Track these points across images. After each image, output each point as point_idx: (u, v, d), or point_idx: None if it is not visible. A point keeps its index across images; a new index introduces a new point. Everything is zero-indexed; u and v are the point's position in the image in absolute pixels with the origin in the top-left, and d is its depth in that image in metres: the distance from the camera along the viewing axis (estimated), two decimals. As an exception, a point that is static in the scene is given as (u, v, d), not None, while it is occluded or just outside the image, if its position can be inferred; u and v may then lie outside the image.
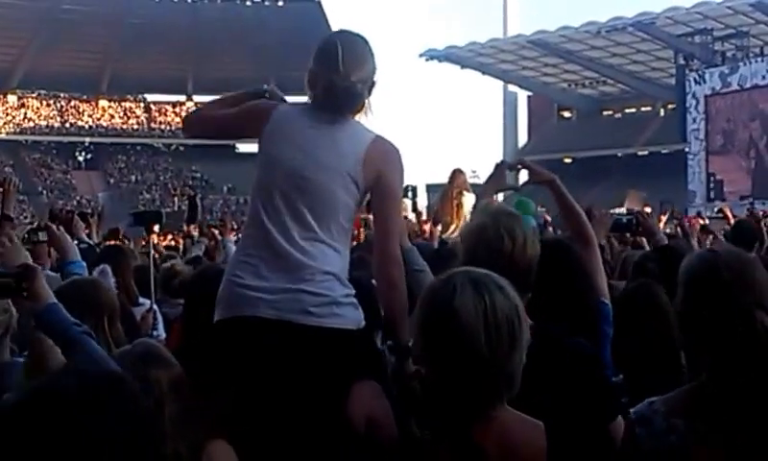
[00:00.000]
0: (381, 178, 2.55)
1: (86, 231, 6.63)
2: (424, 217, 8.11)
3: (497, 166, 3.40)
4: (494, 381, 1.85)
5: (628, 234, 5.97)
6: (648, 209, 14.41)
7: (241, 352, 2.42)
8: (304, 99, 2.67)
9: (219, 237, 8.12)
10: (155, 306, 4.62)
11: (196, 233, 10.43)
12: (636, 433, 1.91)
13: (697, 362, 1.98)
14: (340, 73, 2.54)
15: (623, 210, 8.63)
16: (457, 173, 7.21)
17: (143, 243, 8.64)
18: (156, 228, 5.64)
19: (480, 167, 56.11)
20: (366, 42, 2.68)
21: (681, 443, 1.85)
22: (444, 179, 7.47)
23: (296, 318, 2.41)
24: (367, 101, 2.62)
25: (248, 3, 58.43)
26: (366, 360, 2.45)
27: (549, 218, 10.09)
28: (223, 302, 2.52)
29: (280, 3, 58.53)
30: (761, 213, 16.95)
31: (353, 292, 2.52)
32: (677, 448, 1.85)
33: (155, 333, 4.26)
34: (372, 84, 2.64)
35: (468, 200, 6.92)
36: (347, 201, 2.53)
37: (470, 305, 1.84)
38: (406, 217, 8.80)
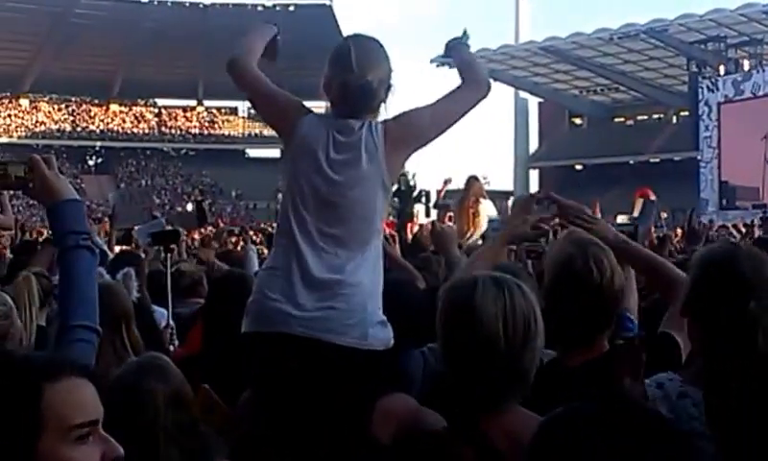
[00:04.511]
0: (410, 124, 2.58)
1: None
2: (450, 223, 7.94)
3: (525, 199, 3.19)
4: (508, 376, 1.91)
5: None
6: (664, 215, 14.26)
7: (268, 368, 2.41)
8: (317, 104, 2.62)
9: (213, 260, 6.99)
10: (171, 321, 4.59)
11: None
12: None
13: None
14: (354, 72, 2.50)
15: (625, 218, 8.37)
16: (472, 180, 7.12)
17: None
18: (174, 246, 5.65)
19: (492, 173, 55.91)
20: (380, 45, 2.64)
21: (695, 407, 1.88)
22: (455, 184, 7.38)
23: (324, 336, 2.37)
24: (383, 103, 2.57)
25: (259, 8, 58.47)
26: (392, 381, 2.40)
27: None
28: (251, 314, 2.47)
29: (291, 8, 58.60)
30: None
31: (381, 309, 2.46)
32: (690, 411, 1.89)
33: (171, 349, 4.17)
34: (389, 86, 2.59)
35: (485, 206, 6.85)
36: (378, 203, 2.51)
37: (490, 301, 1.90)
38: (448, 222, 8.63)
